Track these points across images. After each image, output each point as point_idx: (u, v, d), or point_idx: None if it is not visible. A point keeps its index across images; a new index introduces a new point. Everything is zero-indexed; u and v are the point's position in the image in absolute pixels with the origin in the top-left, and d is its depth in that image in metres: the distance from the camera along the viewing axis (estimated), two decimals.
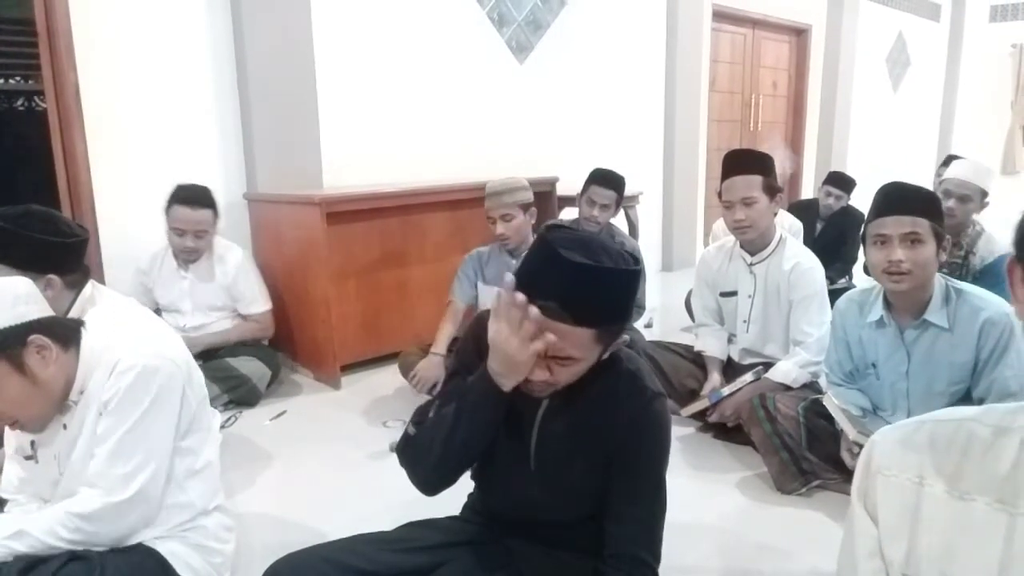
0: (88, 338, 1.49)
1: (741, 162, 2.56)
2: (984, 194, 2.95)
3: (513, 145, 4.74)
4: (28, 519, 1.43)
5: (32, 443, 1.54)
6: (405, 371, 2.99)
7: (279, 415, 3.01)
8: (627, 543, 1.26)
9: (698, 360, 2.84)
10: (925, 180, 6.02)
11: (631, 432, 1.26)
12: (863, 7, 8.12)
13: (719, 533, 2.07)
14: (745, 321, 2.72)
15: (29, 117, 3.98)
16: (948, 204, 2.84)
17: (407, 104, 4.19)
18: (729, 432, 2.63)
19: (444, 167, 4.34)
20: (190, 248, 3.00)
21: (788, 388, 2.50)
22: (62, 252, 1.78)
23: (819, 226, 4.59)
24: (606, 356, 1.21)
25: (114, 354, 1.46)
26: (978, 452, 0.78)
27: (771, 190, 2.54)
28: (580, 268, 1.07)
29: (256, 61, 3.47)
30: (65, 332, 1.47)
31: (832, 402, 2.20)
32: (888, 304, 2.07)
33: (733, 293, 2.75)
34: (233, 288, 3.15)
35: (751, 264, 2.67)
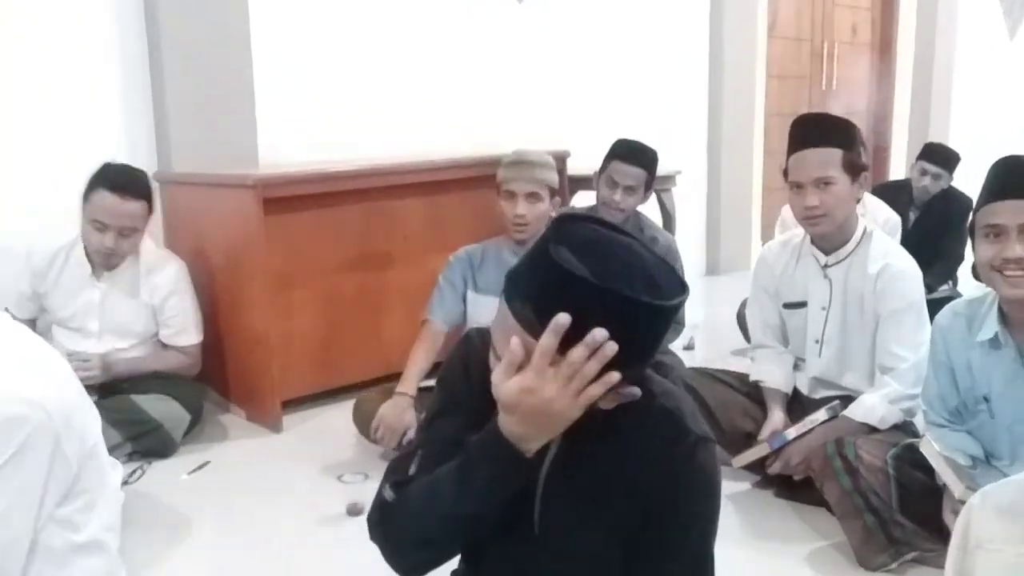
0: None
1: (815, 131, 2.57)
2: None
3: (510, 110, 4.75)
4: None
5: None
6: (362, 423, 2.98)
7: (200, 467, 3.00)
8: None
9: (754, 394, 2.83)
10: None
11: (668, 489, 1.25)
12: None
13: None
14: (817, 341, 2.72)
15: None
16: None
17: (371, 56, 4.20)
18: (796, 488, 2.62)
19: (420, 138, 4.34)
20: (109, 250, 2.97)
21: (874, 430, 2.50)
22: None
23: (912, 215, 4.61)
24: (607, 407, 1.19)
25: None
26: None
27: (854, 168, 2.54)
28: (568, 277, 1.05)
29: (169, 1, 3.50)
30: None
31: (932, 448, 2.20)
32: (1004, 317, 2.07)
33: (802, 304, 2.75)
34: (161, 311, 3.15)
35: (826, 266, 2.67)
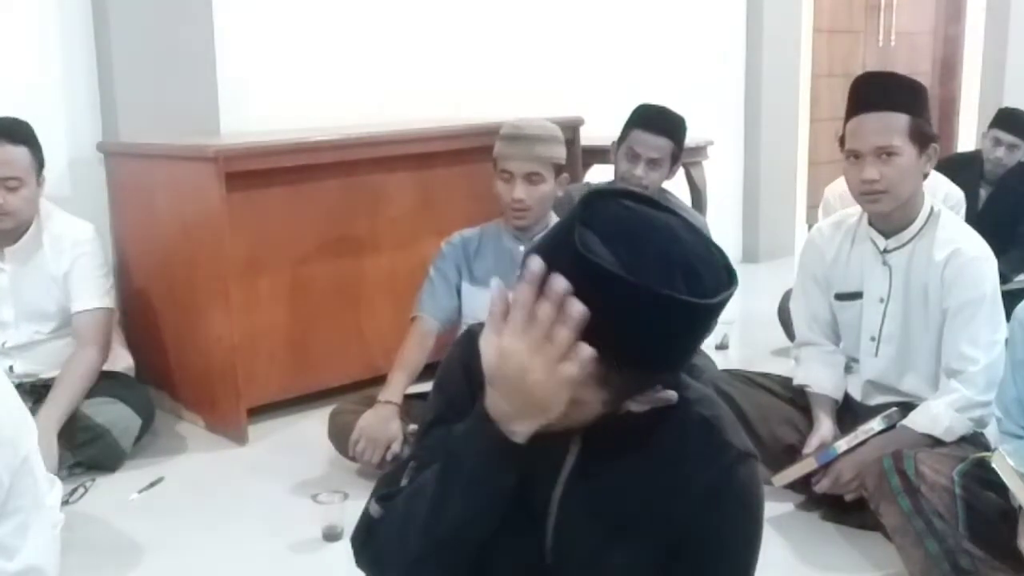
0: None
1: (878, 92, 2.56)
2: None
3: (513, 70, 4.74)
4: None
5: None
6: (339, 437, 2.98)
7: (152, 484, 3.00)
8: None
9: (799, 400, 2.83)
10: None
11: (705, 511, 1.25)
12: None
13: None
14: (874, 339, 2.72)
15: None
16: None
17: (353, 6, 4.18)
18: (846, 510, 2.62)
19: (408, 104, 4.33)
20: None
21: (938, 443, 2.50)
22: None
23: (984, 193, 4.60)
24: (637, 410, 1.20)
25: None
26: None
27: (922, 138, 2.54)
28: (594, 269, 1.04)
29: None
30: None
31: (1006, 463, 2.20)
32: None
33: (857, 295, 2.75)
34: (68, 279, 3.13)
35: (886, 251, 2.67)
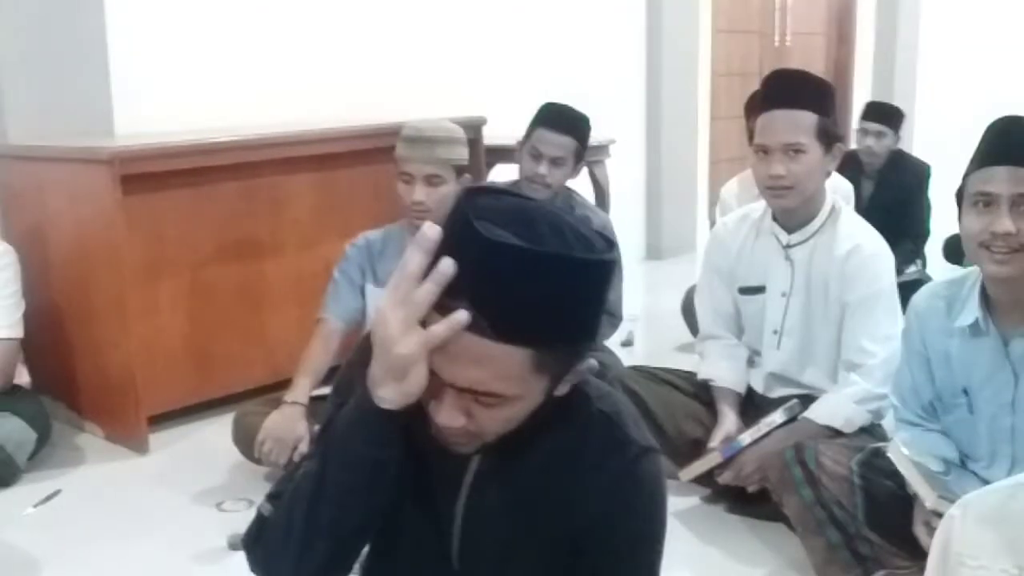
0: None
1: (788, 90, 2.61)
2: None
3: (417, 69, 4.72)
4: None
5: None
6: (244, 440, 2.93)
7: (49, 497, 2.94)
8: None
9: (703, 395, 2.87)
10: None
11: (608, 507, 1.26)
12: None
13: None
14: (776, 332, 2.77)
15: None
16: None
17: (252, 3, 4.12)
18: (750, 502, 2.66)
19: (310, 104, 4.28)
20: None
21: (838, 434, 2.55)
22: None
23: (867, 186, 4.69)
24: (562, 392, 1.21)
25: None
26: None
27: (828, 138, 2.59)
28: (503, 250, 1.06)
29: None
30: None
31: (901, 453, 2.25)
32: (987, 301, 2.12)
33: (760, 289, 2.79)
34: None
35: (788, 246, 2.72)
